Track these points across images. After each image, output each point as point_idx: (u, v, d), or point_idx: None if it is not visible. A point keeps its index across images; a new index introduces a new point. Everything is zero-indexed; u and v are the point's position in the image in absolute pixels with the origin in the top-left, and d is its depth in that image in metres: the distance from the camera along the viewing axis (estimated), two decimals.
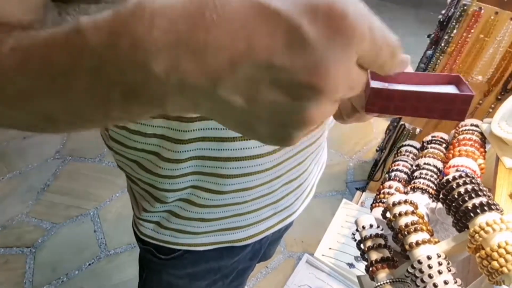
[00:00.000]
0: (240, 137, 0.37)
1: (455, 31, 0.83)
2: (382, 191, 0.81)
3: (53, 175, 1.67)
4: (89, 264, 1.35)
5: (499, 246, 0.44)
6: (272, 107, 0.17)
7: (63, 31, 0.18)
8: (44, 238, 1.42)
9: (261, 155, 0.39)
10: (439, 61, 0.88)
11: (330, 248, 1.13)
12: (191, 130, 0.36)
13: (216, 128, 0.36)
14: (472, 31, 0.81)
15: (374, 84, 0.24)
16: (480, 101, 0.89)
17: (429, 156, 0.80)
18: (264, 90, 0.16)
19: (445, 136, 0.85)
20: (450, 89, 0.27)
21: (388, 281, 0.53)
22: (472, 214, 0.48)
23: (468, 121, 0.80)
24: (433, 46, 0.89)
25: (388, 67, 0.19)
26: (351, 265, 1.08)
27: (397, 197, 0.58)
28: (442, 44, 0.85)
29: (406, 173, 0.86)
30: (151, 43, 0.16)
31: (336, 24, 0.15)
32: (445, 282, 0.46)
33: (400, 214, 0.56)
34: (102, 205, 1.56)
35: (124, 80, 0.17)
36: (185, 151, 0.37)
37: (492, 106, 0.88)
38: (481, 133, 0.76)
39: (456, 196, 0.51)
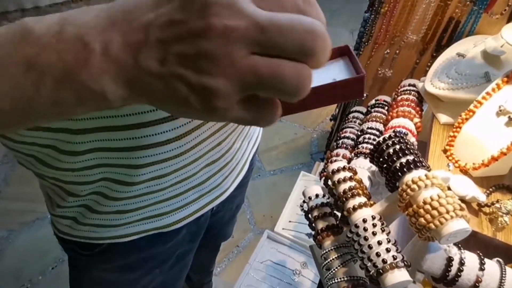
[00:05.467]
0: (139, 124, 0.34)
1: None
2: (330, 160, 0.82)
3: (4, 181, 1.57)
4: (52, 268, 1.30)
5: (424, 203, 0.44)
6: (183, 61, 0.19)
7: (4, 27, 0.21)
8: (3, 246, 1.35)
9: (170, 140, 0.37)
10: (375, 22, 0.87)
11: (290, 221, 1.15)
12: (84, 119, 0.33)
13: (110, 116, 0.33)
14: None
15: None
16: (418, 61, 0.90)
17: (372, 120, 0.81)
18: (172, 47, 0.19)
19: (388, 99, 0.86)
20: (343, 64, 0.28)
21: (332, 248, 0.54)
22: (400, 174, 0.48)
23: (406, 81, 0.81)
24: (370, 9, 0.88)
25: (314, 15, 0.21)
26: (310, 235, 1.11)
27: (336, 164, 0.58)
28: (376, 5, 0.84)
29: (352, 139, 0.86)
30: (93, 27, 0.20)
31: None
32: (379, 243, 0.47)
33: (339, 181, 0.56)
34: None
35: (60, 64, 0.20)
36: (81, 142, 0.35)
37: (429, 64, 0.89)
38: (418, 92, 0.77)
39: (386, 157, 0.52)
